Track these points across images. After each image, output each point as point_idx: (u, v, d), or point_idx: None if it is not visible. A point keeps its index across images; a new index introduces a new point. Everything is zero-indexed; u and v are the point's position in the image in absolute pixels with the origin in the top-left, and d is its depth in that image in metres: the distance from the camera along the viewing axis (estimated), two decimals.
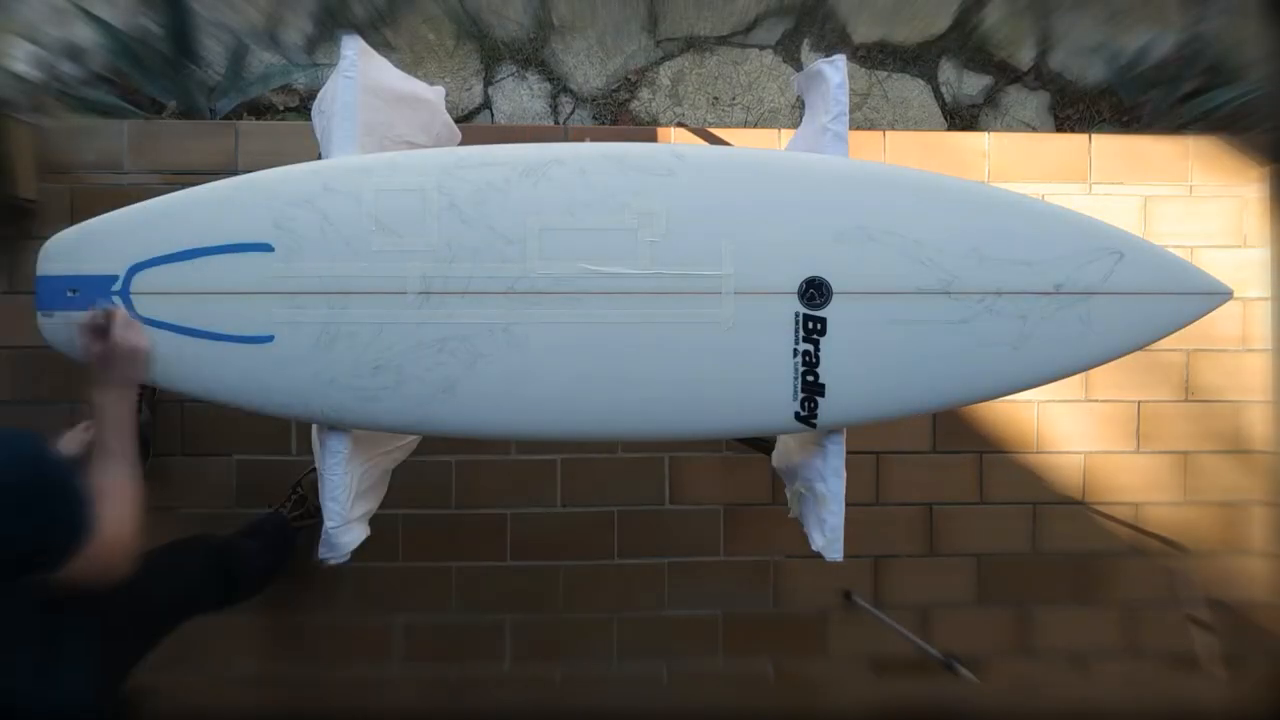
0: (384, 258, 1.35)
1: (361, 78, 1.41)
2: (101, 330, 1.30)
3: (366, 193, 1.35)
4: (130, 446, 1.28)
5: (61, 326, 1.37)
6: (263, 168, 1.40)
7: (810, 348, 1.39)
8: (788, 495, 1.66)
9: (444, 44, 2.52)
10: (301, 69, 2.47)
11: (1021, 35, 2.56)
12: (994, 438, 2.35)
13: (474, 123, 2.51)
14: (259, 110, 2.48)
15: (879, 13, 2.54)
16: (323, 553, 1.43)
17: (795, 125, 2.46)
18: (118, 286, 1.35)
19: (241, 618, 2.22)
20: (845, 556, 1.44)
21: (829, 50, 2.53)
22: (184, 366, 1.37)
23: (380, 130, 1.49)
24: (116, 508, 1.19)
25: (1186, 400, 2.36)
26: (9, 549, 1.06)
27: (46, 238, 1.39)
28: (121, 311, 1.32)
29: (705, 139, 2.30)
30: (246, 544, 1.89)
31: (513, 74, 2.53)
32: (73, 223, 1.40)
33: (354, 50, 1.41)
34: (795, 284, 1.38)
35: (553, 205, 1.35)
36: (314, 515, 2.06)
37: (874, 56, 2.55)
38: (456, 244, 1.35)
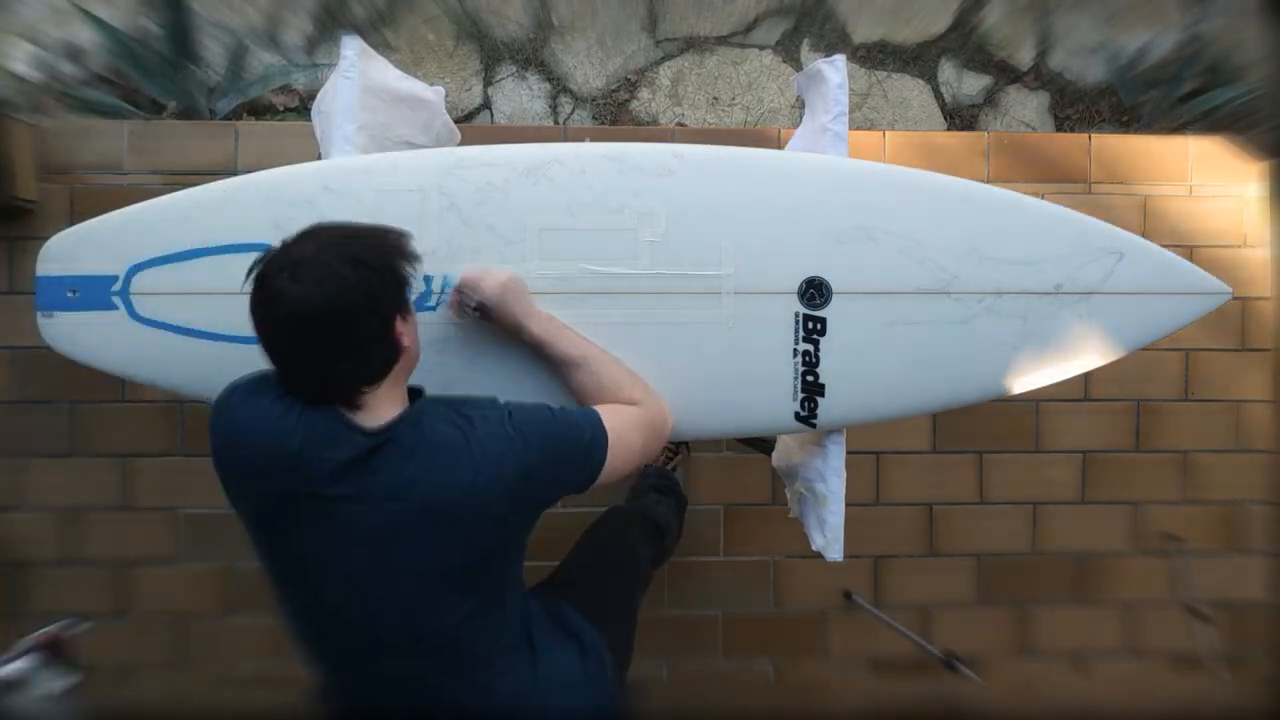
0: None
1: (361, 78, 1.42)
2: (470, 304, 1.29)
3: (366, 193, 1.35)
4: (584, 340, 1.32)
5: (61, 327, 1.37)
6: (262, 168, 1.40)
7: (810, 348, 1.39)
8: (788, 495, 1.66)
9: (443, 44, 2.52)
10: (301, 70, 2.47)
11: (1021, 35, 2.56)
12: (993, 438, 2.35)
13: (474, 123, 2.51)
14: (258, 111, 2.48)
15: (879, 12, 2.55)
16: None
17: (795, 125, 2.46)
18: (118, 286, 1.35)
19: (242, 618, 2.23)
20: (845, 556, 1.44)
21: (829, 50, 2.53)
22: (184, 366, 1.37)
23: (380, 130, 1.49)
24: (628, 396, 1.27)
25: (1186, 399, 2.37)
26: (555, 497, 1.15)
27: (46, 238, 1.38)
28: (463, 276, 1.30)
29: (705, 139, 2.30)
30: (649, 498, 1.92)
31: (512, 74, 2.54)
32: (72, 224, 1.41)
33: (354, 50, 1.41)
34: (795, 284, 1.38)
35: (553, 205, 1.35)
36: (677, 452, 2.15)
37: (874, 56, 2.55)
38: (457, 244, 1.35)
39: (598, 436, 1.16)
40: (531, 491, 1.11)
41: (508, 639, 1.18)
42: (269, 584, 1.13)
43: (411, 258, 1.09)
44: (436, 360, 1.36)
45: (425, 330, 1.34)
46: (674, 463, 2.14)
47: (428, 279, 1.35)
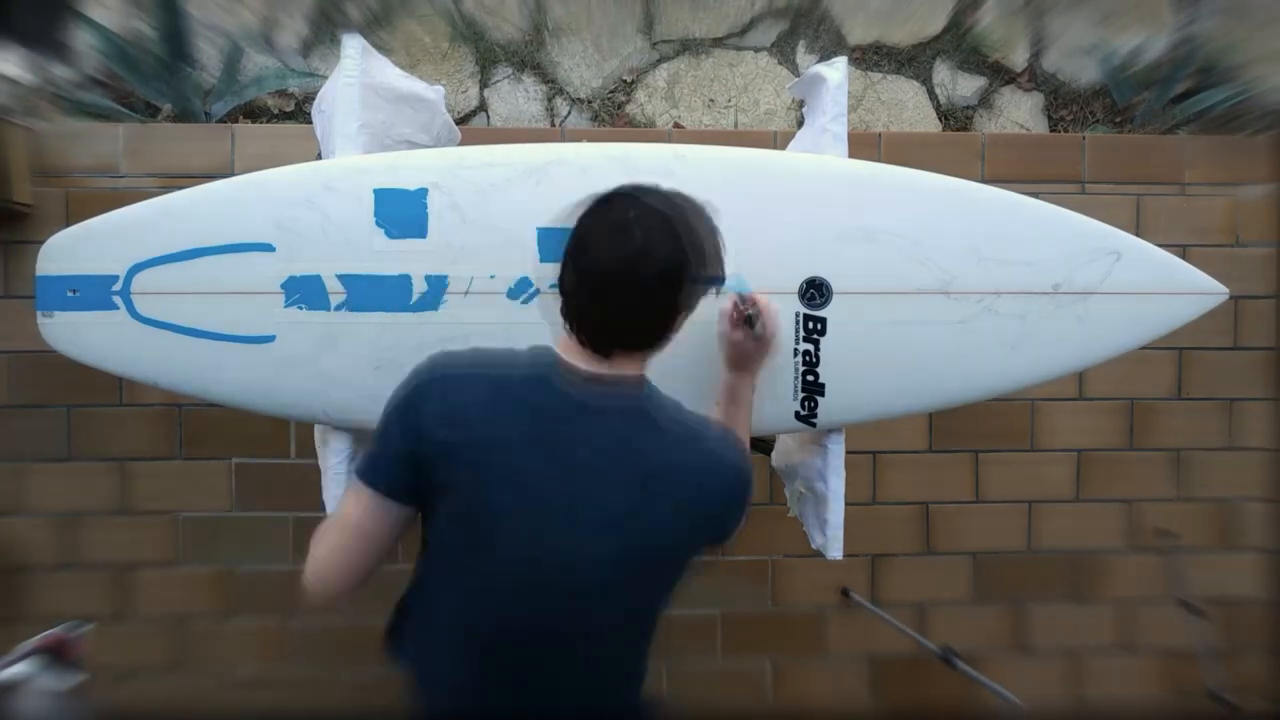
0: (385, 258, 1.35)
1: (362, 77, 1.41)
2: (745, 319, 1.28)
3: (367, 192, 1.35)
4: (750, 426, 1.32)
5: (61, 327, 1.36)
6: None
7: (810, 347, 1.40)
8: (787, 494, 1.66)
9: (439, 47, 2.52)
10: (297, 74, 2.47)
11: (1015, 37, 2.57)
12: (989, 437, 2.36)
13: (470, 126, 2.51)
14: (254, 114, 2.47)
15: (874, 14, 2.56)
16: None
17: (791, 127, 2.48)
18: (118, 286, 1.35)
19: (241, 621, 2.23)
20: (843, 555, 1.45)
21: (824, 52, 2.54)
22: (184, 366, 1.37)
23: (381, 129, 1.49)
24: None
25: (1179, 398, 2.38)
26: (722, 534, 1.12)
27: (41, 242, 1.38)
28: (766, 302, 1.30)
29: (701, 141, 2.30)
30: None
31: (508, 76, 2.54)
32: (68, 226, 1.40)
33: (355, 49, 1.41)
34: (795, 284, 1.39)
35: (554, 205, 1.35)
36: None
37: (869, 58, 2.56)
38: (458, 244, 1.35)
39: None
40: (732, 505, 1.11)
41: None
42: (448, 531, 1.09)
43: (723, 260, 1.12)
44: None
45: (427, 330, 1.35)
46: None
47: (429, 278, 1.35)
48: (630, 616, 1.13)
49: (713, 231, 1.09)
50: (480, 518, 1.05)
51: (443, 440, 1.04)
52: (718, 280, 1.11)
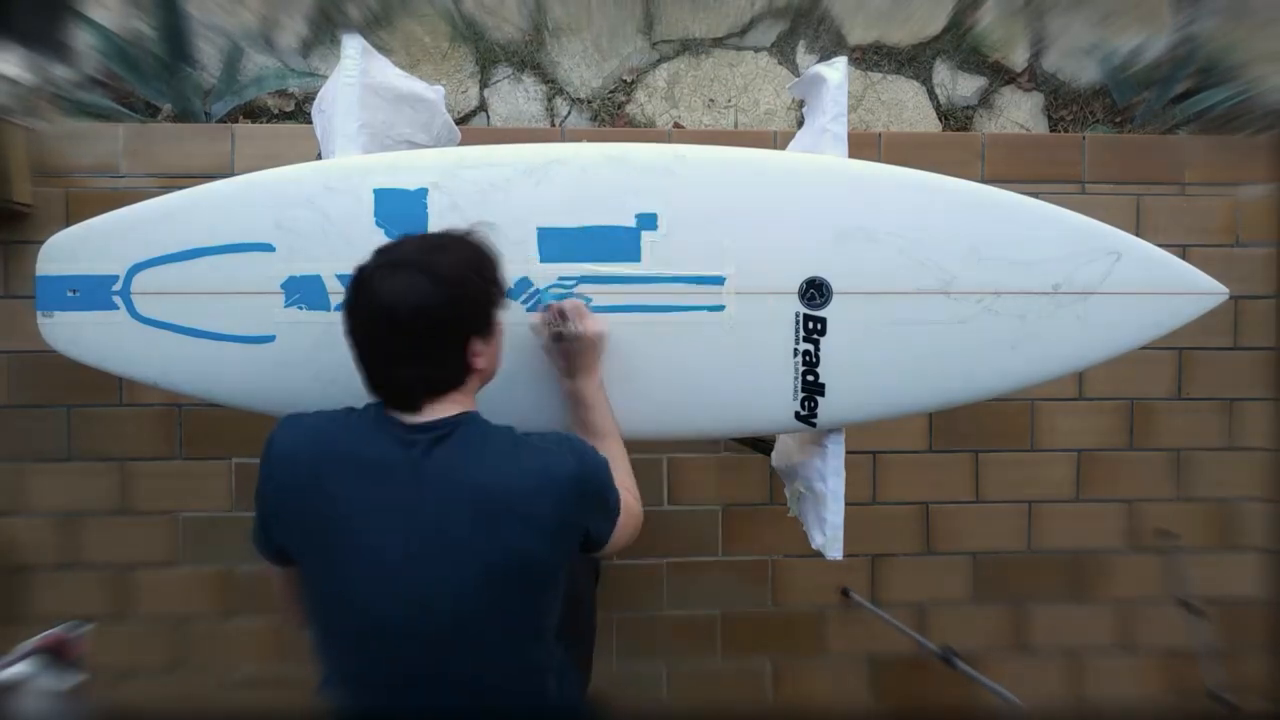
0: None
1: (362, 77, 1.41)
2: (556, 327, 1.31)
3: (367, 192, 1.35)
4: (614, 422, 1.34)
5: (61, 327, 1.36)
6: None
7: (810, 347, 1.40)
8: (787, 494, 1.66)
9: (439, 47, 2.52)
10: (297, 74, 2.47)
11: (1015, 37, 2.57)
12: (989, 437, 2.36)
13: (470, 126, 2.51)
14: (254, 114, 2.47)
15: (874, 14, 2.55)
16: None
17: (791, 127, 2.48)
18: (118, 286, 1.34)
19: (241, 621, 2.23)
20: (843, 555, 1.45)
21: (824, 52, 2.54)
22: (184, 366, 1.37)
23: (381, 129, 1.48)
24: (629, 484, 1.27)
25: (1179, 398, 2.38)
26: (583, 535, 1.15)
27: (41, 242, 1.38)
28: (573, 303, 1.33)
29: (701, 141, 2.30)
30: None
31: (508, 76, 2.53)
32: (68, 227, 1.40)
33: (355, 49, 1.41)
34: (795, 284, 1.39)
35: (554, 205, 1.36)
36: None
37: (869, 58, 2.56)
38: None
39: (617, 494, 1.19)
40: (578, 505, 1.12)
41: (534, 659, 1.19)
42: (308, 592, 1.14)
43: (500, 282, 1.16)
44: None
45: None
46: None
47: None
48: (508, 636, 1.12)
49: (474, 259, 1.13)
50: (326, 582, 1.10)
51: (277, 505, 1.12)
52: (479, 325, 1.13)
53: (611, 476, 1.18)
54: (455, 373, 1.12)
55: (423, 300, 1.05)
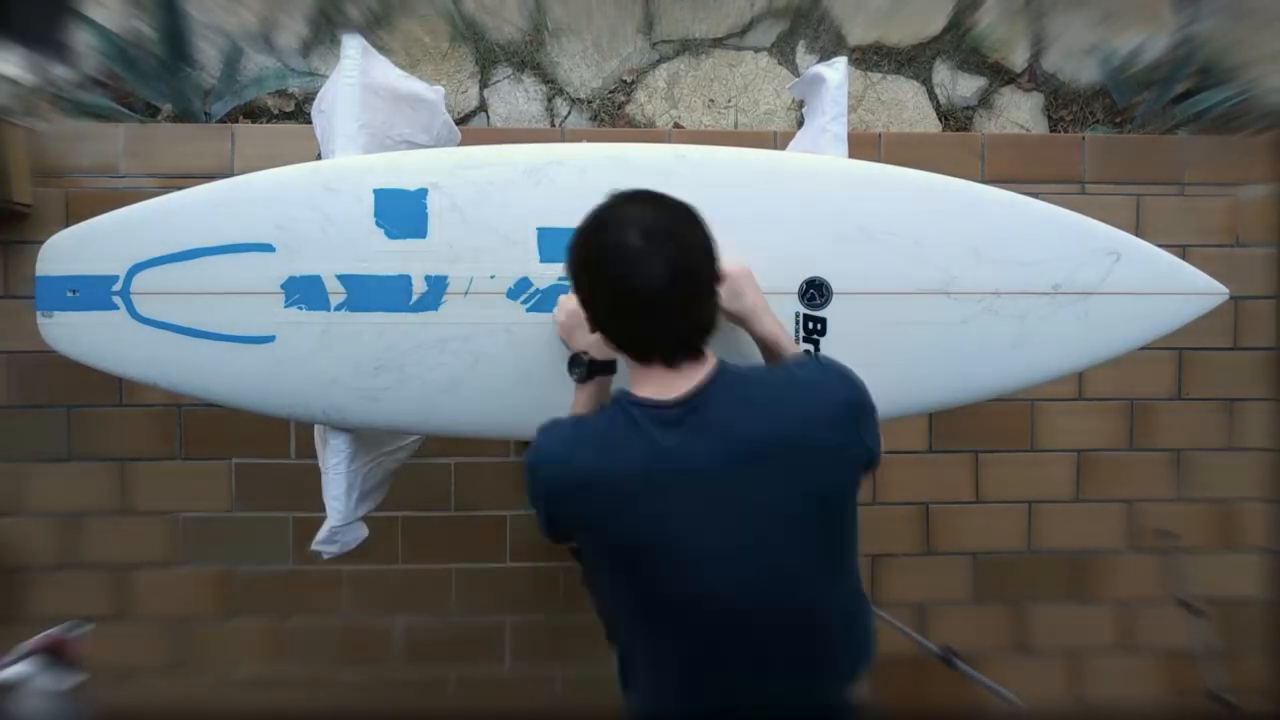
0: (385, 258, 1.35)
1: (362, 77, 1.41)
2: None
3: (367, 192, 1.35)
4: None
5: (61, 327, 1.36)
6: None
7: (810, 348, 1.40)
8: None
9: (439, 47, 2.52)
10: (297, 74, 2.47)
11: (1015, 37, 2.57)
12: (989, 437, 2.36)
13: (470, 126, 2.51)
14: (254, 114, 2.47)
15: (874, 15, 2.55)
16: (324, 548, 1.43)
17: (791, 127, 2.48)
18: (118, 286, 1.34)
19: (241, 621, 2.23)
20: None
21: (824, 52, 2.54)
22: (184, 366, 1.37)
23: (381, 129, 1.48)
24: None
25: (1179, 398, 2.38)
26: (868, 454, 1.14)
27: (41, 242, 1.38)
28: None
29: (701, 141, 2.31)
30: None
31: (508, 77, 2.53)
32: (68, 227, 1.40)
33: (355, 49, 1.41)
34: (795, 284, 1.39)
35: (554, 205, 1.35)
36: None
37: (868, 58, 2.56)
38: (458, 244, 1.35)
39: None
40: (859, 426, 1.11)
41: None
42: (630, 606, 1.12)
43: None
44: (437, 360, 1.36)
45: (427, 330, 1.35)
46: None
47: (429, 278, 1.35)
48: (837, 576, 1.18)
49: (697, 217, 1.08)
50: (657, 594, 1.07)
51: (571, 513, 1.08)
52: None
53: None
54: (710, 323, 1.08)
55: (701, 240, 1.04)
